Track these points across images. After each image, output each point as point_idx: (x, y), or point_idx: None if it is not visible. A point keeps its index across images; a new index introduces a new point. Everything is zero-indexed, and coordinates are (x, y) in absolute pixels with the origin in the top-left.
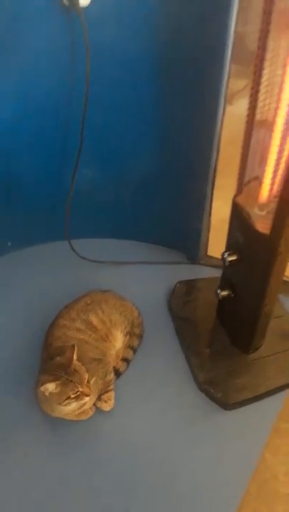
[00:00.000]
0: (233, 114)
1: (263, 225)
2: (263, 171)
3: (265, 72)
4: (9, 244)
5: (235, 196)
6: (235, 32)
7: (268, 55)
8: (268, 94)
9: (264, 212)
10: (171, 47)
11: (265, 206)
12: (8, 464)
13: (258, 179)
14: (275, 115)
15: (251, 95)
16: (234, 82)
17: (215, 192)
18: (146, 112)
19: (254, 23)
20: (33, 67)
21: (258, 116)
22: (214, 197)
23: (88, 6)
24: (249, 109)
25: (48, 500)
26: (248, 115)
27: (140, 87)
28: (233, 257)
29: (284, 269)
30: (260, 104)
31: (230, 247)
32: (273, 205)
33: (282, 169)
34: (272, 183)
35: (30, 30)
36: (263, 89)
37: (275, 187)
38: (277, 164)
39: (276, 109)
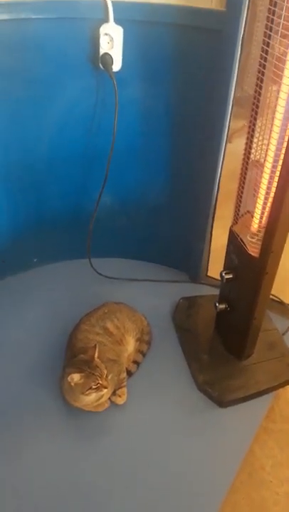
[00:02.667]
0: (232, 152)
1: (253, 249)
2: (254, 206)
3: (259, 118)
4: (35, 260)
5: (232, 226)
6: (237, 82)
7: (262, 103)
8: (260, 137)
9: (255, 240)
10: (183, 100)
11: (255, 235)
12: (35, 446)
13: (250, 213)
14: (265, 157)
15: (247, 138)
16: (234, 122)
17: (215, 221)
18: (160, 153)
19: (252, 71)
20: (70, 115)
21: (252, 156)
22: (215, 225)
23: (119, 70)
24: (245, 149)
25: (69, 481)
26: (244, 156)
27: (155, 133)
28: (230, 276)
29: (270, 287)
30: (254, 145)
31: (227, 267)
32: (262, 234)
33: (269, 205)
34: (261, 216)
35: (71, 85)
36: (257, 133)
37: (264, 219)
38: (266, 201)
39: (266, 151)
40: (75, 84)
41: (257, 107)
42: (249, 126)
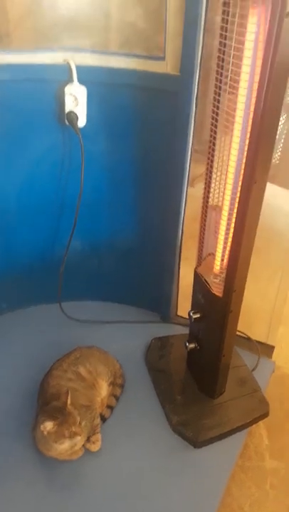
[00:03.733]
0: (194, 196)
1: (217, 289)
2: (215, 249)
3: (214, 166)
4: (4, 306)
5: (196, 267)
6: (194, 135)
7: (216, 153)
8: (217, 184)
9: (218, 280)
10: (146, 153)
11: (218, 276)
12: (8, 498)
13: (212, 255)
14: (222, 202)
15: (205, 184)
16: (195, 167)
17: (182, 262)
18: (127, 201)
19: (207, 126)
20: (39, 168)
21: (210, 202)
22: (182, 265)
23: (84, 126)
24: (204, 195)
25: None
26: (203, 202)
27: (121, 183)
28: (197, 315)
29: (236, 324)
30: (212, 191)
31: (194, 306)
32: (224, 275)
33: (228, 248)
34: (222, 258)
35: (39, 140)
36: (213, 180)
37: (225, 261)
38: (225, 243)
39: (223, 196)
40: (43, 140)
41: (212, 155)
42: (206, 174)
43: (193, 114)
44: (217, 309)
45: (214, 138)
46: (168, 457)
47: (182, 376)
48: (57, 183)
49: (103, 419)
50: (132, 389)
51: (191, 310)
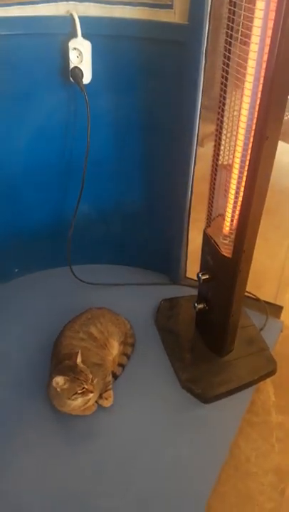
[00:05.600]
0: (204, 155)
1: (226, 250)
2: (225, 209)
3: (225, 123)
4: (16, 270)
5: (205, 228)
6: (203, 91)
7: (227, 109)
8: (227, 142)
9: (227, 241)
10: (153, 109)
11: (227, 236)
12: (24, 452)
13: (222, 216)
14: (232, 160)
15: (215, 142)
16: (205, 127)
17: (191, 224)
18: (134, 160)
19: (218, 80)
20: (44, 128)
21: (220, 160)
22: (191, 227)
23: (89, 83)
24: (213, 154)
25: (59, 484)
26: (213, 160)
27: (128, 141)
28: (206, 276)
29: (245, 285)
30: (222, 149)
31: (203, 268)
32: (233, 236)
33: (238, 208)
34: (232, 219)
35: (43, 99)
36: (224, 137)
37: (235, 222)
38: (235, 203)
39: (233, 154)
40: (47, 98)
41: (223, 110)
42: (216, 130)
43: (203, 67)
44: (226, 270)
45: (225, 92)
46: (177, 413)
47: (191, 336)
48: (63, 143)
49: (115, 376)
50: (143, 348)
51: (200, 271)
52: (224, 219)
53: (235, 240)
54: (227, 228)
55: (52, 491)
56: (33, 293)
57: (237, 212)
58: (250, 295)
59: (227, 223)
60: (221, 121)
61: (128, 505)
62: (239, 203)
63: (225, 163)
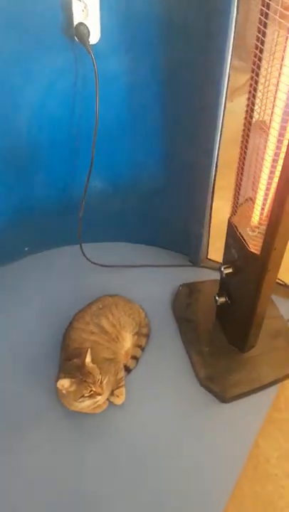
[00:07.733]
0: (233, 112)
1: (254, 246)
2: (255, 194)
3: (263, 68)
4: (26, 249)
5: (230, 217)
6: (236, 31)
7: (266, 54)
8: (265, 92)
9: (256, 233)
10: (174, 64)
11: (256, 228)
12: (34, 448)
13: (251, 200)
14: (270, 118)
15: (249, 93)
16: (235, 77)
17: (216, 192)
18: (150, 127)
19: (254, 20)
20: (48, 94)
21: (254, 118)
22: (215, 197)
23: (98, 42)
24: (246, 113)
25: (69, 481)
26: (246, 118)
27: (144, 107)
28: (229, 270)
29: (273, 282)
30: (257, 102)
31: (226, 261)
32: (263, 228)
33: (272, 193)
34: (263, 207)
35: (45, 62)
36: (260, 85)
37: (266, 210)
38: (269, 186)
39: (272, 111)
40: (50, 61)
41: (261, 51)
42: (251, 78)
43: (235, 14)
44: (252, 268)
45: (263, 33)
46: (194, 411)
47: (210, 326)
48: (70, 112)
49: (128, 370)
50: (158, 339)
51: (223, 264)
52: (254, 206)
53: (266, 233)
54: (257, 218)
55: (61, 491)
56: (44, 273)
57: (271, 197)
58: (279, 281)
59: (257, 211)
60: (258, 67)
61: (141, 508)
62: (276, 179)
63: (261, 119)
